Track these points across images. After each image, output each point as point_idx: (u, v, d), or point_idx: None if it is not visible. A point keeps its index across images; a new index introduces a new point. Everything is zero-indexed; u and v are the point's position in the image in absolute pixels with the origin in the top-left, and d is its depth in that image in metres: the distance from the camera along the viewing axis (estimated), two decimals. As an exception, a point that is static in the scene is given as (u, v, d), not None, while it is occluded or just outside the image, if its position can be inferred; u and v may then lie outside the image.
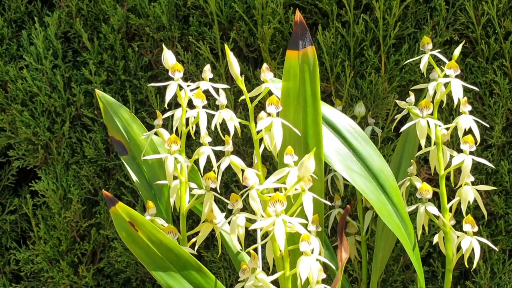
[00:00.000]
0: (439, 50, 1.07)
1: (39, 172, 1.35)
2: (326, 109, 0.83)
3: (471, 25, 1.28)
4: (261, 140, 0.80)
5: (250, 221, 0.75)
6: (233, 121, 0.78)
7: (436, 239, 0.91)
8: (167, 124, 1.23)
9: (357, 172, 0.80)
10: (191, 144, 1.24)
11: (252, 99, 0.80)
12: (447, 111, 1.26)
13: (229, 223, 0.76)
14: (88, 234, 1.36)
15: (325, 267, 0.72)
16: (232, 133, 0.79)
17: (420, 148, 0.88)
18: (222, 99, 0.79)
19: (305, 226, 0.74)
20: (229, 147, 0.79)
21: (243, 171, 0.77)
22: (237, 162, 0.78)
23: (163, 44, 0.87)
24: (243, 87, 0.79)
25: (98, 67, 1.34)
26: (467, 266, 0.85)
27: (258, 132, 0.79)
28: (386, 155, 1.22)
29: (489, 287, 1.27)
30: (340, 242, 0.61)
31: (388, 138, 1.29)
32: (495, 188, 0.93)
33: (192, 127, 0.85)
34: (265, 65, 0.79)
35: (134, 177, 0.94)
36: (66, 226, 1.34)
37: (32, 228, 1.37)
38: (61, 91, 1.33)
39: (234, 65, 0.78)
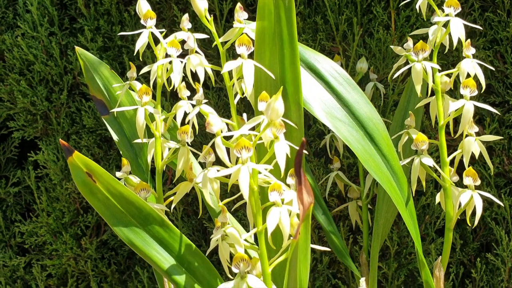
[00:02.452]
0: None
1: (40, 143, 1.33)
2: (306, 51, 0.76)
3: (490, -26, 1.17)
4: (239, 95, 0.73)
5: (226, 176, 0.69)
6: (202, 66, 0.72)
7: (438, 198, 0.82)
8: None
9: (341, 120, 0.72)
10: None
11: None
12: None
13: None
14: (91, 206, 1.34)
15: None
16: (202, 79, 0.73)
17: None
18: (190, 43, 0.73)
19: (284, 179, 0.67)
20: (199, 95, 0.73)
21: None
22: (207, 110, 0.72)
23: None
24: (211, 27, 0.73)
25: (94, 34, 1.30)
26: (469, 224, 0.76)
27: (231, 78, 0.72)
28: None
29: (512, 260, 1.17)
30: (298, 182, 0.53)
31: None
32: (501, 137, 0.83)
33: (171, 82, 0.79)
34: (238, 5, 0.72)
35: (115, 137, 0.90)
36: (68, 198, 1.32)
37: (35, 200, 1.35)
38: (58, 59, 1.30)
39: (196, 0, 0.72)
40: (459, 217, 1.23)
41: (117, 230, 0.66)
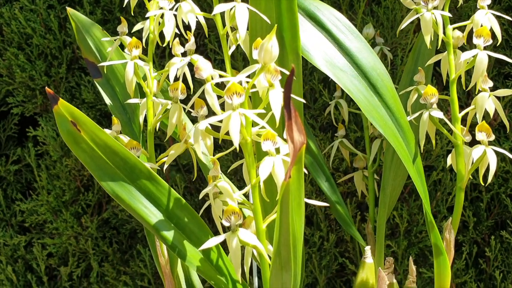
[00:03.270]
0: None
1: (39, 119, 1.31)
2: (307, 0, 0.71)
3: None
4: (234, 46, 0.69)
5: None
6: (194, 14, 0.68)
7: (449, 160, 0.77)
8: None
9: (343, 69, 0.67)
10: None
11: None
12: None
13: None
14: (92, 184, 1.31)
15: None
16: (193, 28, 0.69)
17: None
18: (181, -13, 0.69)
19: (280, 133, 0.63)
20: (190, 44, 0.69)
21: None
22: (197, 58, 0.68)
23: None
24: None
25: (94, 6, 1.27)
26: (482, 183, 0.70)
27: (224, 25, 0.68)
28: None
29: (529, 238, 1.11)
30: (287, 118, 0.48)
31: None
32: (515, 92, 0.77)
33: (165, 40, 0.75)
34: (232, -51, 0.68)
35: (107, 101, 0.86)
36: (68, 176, 1.29)
37: (35, 178, 1.33)
38: (56, 32, 1.27)
39: None
40: (472, 195, 1.18)
41: (103, 184, 0.62)
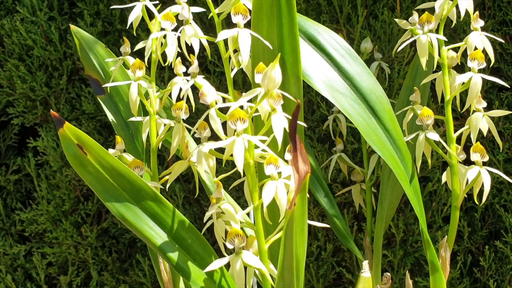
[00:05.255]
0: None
1: (39, 130, 1.32)
2: (306, 23, 0.73)
3: (498, -49, 1.14)
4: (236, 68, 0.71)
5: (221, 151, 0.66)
6: (197, 37, 0.70)
7: (444, 177, 0.79)
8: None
9: (342, 92, 0.69)
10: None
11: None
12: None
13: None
14: (92, 194, 1.32)
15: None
16: (196, 51, 0.70)
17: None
18: (185, 13, 0.70)
19: (282, 155, 0.65)
20: (194, 67, 0.70)
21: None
22: (202, 83, 0.69)
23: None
24: (207, -2, 0.70)
25: (94, 18, 1.28)
26: (476, 203, 0.73)
27: (227, 50, 0.69)
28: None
29: (522, 247, 1.14)
30: (293, 149, 0.50)
31: (406, 84, 1.17)
32: (510, 112, 0.80)
33: (166, 59, 0.77)
34: (235, -26, 0.70)
35: (111, 117, 0.87)
36: (68, 185, 1.30)
37: (35, 188, 1.34)
38: (57, 44, 1.29)
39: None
40: (467, 205, 1.20)
41: (109, 205, 0.64)
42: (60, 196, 1.30)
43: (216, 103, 0.63)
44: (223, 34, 0.66)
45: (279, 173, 0.60)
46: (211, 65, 1.24)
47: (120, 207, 0.63)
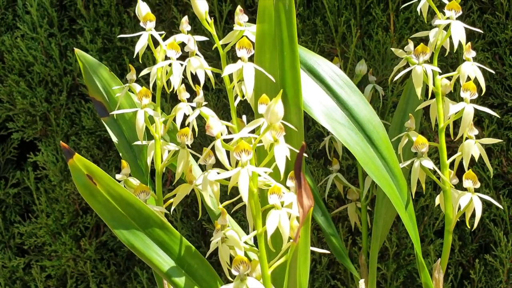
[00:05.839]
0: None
1: (39, 144, 1.33)
2: (306, 54, 0.76)
3: (489, -23, 1.18)
4: (239, 97, 0.73)
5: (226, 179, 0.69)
6: (203, 69, 0.72)
7: (437, 200, 0.82)
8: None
9: (341, 122, 0.72)
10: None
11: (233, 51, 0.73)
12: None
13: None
14: (91, 207, 1.34)
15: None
16: (202, 82, 0.73)
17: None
18: (191, 45, 0.73)
19: (284, 182, 0.68)
20: (199, 97, 0.73)
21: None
22: (207, 113, 0.72)
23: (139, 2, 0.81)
24: (212, 30, 0.73)
25: (94, 35, 1.30)
26: (468, 227, 0.76)
27: (231, 81, 0.72)
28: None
29: (511, 261, 1.17)
30: (298, 186, 0.54)
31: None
32: (500, 140, 0.83)
33: (170, 84, 0.79)
34: (239, 7, 0.72)
35: (114, 139, 0.90)
36: (67, 199, 1.32)
37: (34, 201, 1.35)
38: (57, 60, 1.30)
39: (197, 2, 0.72)
40: (458, 219, 1.24)
41: (117, 232, 0.66)
42: (59, 210, 1.32)
43: (221, 134, 0.66)
44: (229, 69, 0.69)
45: (282, 202, 0.63)
46: (209, 82, 1.27)
47: (128, 235, 0.66)
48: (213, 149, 0.67)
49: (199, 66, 0.72)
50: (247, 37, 0.72)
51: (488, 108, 0.81)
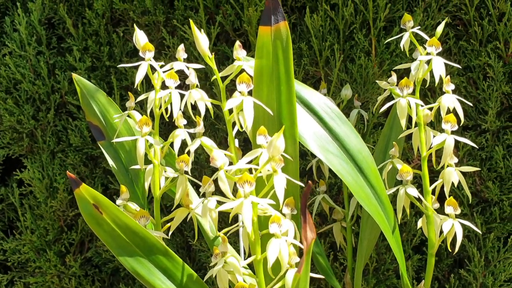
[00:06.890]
0: (426, 31, 1.03)
1: (24, 161, 1.33)
2: (301, 88, 0.80)
3: (464, 7, 1.24)
4: (235, 124, 0.77)
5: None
6: (203, 101, 0.76)
7: (420, 223, 0.88)
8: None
9: (333, 153, 0.77)
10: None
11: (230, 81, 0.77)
12: (438, 93, 1.23)
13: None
14: (76, 223, 1.35)
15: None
16: (203, 113, 0.77)
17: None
18: (192, 78, 0.77)
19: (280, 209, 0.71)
20: (200, 128, 0.77)
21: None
22: (208, 143, 0.76)
23: (135, 27, 0.84)
24: (213, 64, 0.77)
25: (82, 54, 1.32)
26: (449, 250, 0.81)
27: (230, 113, 0.76)
28: (377, 141, 1.19)
29: (483, 275, 1.24)
30: (303, 221, 0.58)
31: (379, 124, 1.25)
32: (478, 169, 0.90)
33: (167, 110, 0.82)
34: (237, 43, 0.76)
35: (111, 162, 0.92)
36: (53, 216, 1.32)
37: (19, 217, 1.35)
38: (45, 78, 1.31)
39: (200, 40, 0.75)
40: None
41: (122, 259, 0.69)
42: (44, 226, 1.32)
43: (224, 165, 0.69)
44: (230, 103, 0.73)
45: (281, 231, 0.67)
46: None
47: (133, 262, 0.68)
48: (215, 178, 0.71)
49: (200, 98, 0.76)
50: (245, 70, 0.76)
51: (462, 129, 0.87)
